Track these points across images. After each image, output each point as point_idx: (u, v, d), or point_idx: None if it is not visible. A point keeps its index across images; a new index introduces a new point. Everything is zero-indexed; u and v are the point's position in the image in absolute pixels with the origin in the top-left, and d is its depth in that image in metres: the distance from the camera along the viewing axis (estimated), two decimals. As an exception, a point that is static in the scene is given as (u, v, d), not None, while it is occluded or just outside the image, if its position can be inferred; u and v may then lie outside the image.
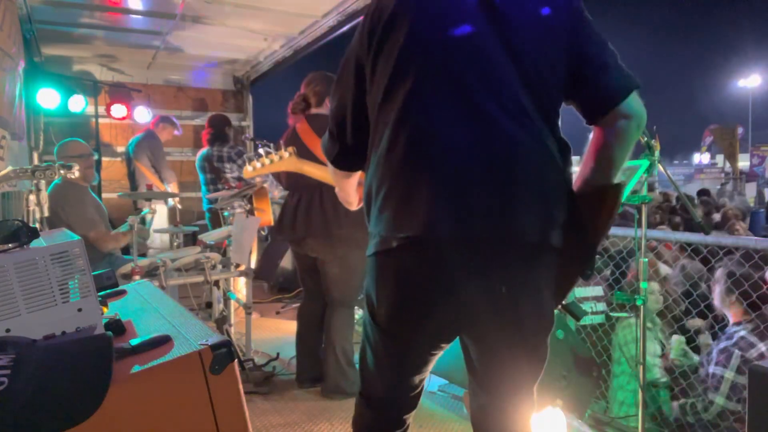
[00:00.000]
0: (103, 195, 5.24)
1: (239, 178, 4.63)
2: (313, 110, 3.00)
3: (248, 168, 2.39)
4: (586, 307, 3.32)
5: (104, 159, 5.62)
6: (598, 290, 3.41)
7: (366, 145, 1.39)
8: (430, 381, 3.03)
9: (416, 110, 1.26)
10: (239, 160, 4.66)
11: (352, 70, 1.39)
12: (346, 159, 1.52)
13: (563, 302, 1.39)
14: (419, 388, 1.44)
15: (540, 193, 1.24)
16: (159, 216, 5.05)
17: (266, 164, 2.38)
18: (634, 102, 1.27)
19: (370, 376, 1.43)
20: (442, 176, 1.23)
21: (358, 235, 2.77)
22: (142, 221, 3.72)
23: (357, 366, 2.87)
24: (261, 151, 2.36)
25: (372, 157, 1.35)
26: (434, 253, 1.24)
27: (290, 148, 2.40)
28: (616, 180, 1.30)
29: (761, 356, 2.54)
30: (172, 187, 5.42)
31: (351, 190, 1.71)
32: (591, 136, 1.32)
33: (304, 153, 2.59)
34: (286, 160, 2.38)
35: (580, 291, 3.28)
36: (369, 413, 1.46)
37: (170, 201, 5.12)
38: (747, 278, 2.66)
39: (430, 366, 1.42)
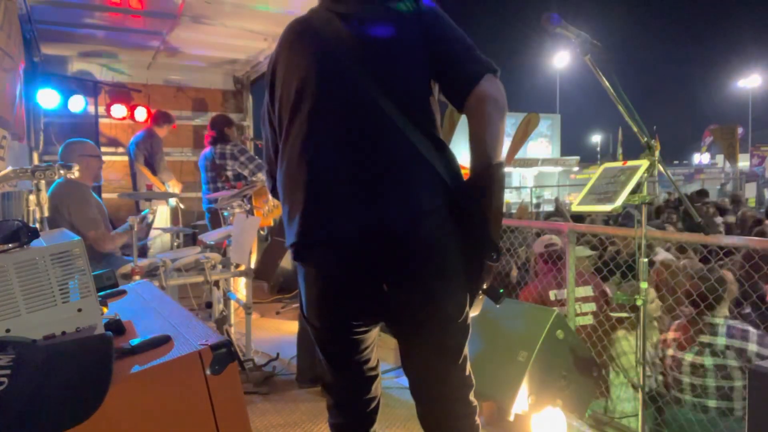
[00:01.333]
0: (103, 195, 5.24)
1: (239, 176, 4.63)
2: None
3: (265, 209, 2.49)
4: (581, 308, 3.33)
5: (104, 159, 5.62)
6: (588, 290, 3.42)
7: None
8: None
9: (294, 133, 1.44)
10: (241, 157, 4.65)
11: (266, 117, 1.60)
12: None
13: (483, 287, 1.43)
14: (366, 372, 1.56)
15: (406, 192, 1.34)
16: (160, 216, 5.06)
17: (279, 204, 2.48)
18: (489, 84, 1.36)
19: (321, 362, 1.59)
20: (311, 191, 1.39)
21: None
22: (143, 221, 3.72)
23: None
24: (254, 167, 2.48)
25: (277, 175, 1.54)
26: (315, 257, 1.42)
27: None
28: (495, 161, 1.36)
29: None
30: (171, 186, 5.41)
31: None
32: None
33: None
34: None
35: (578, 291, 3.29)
36: (330, 399, 1.62)
37: (171, 201, 5.12)
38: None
39: (364, 350, 1.53)
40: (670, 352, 2.85)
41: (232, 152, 4.65)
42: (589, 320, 3.32)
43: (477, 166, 1.36)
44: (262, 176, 4.57)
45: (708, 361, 2.69)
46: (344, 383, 1.59)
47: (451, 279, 1.40)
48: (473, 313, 1.48)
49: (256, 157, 4.77)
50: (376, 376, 1.60)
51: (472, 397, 1.55)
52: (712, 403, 2.65)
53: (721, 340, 2.69)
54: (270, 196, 1.73)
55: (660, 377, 3.02)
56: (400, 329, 1.49)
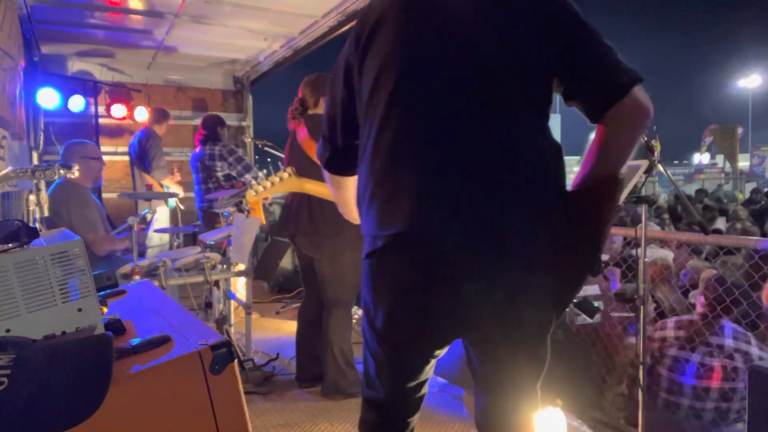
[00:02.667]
0: (103, 195, 5.24)
1: (229, 177, 4.63)
2: (311, 111, 3.07)
3: (251, 192, 2.48)
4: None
5: (104, 159, 5.61)
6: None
7: (355, 148, 1.41)
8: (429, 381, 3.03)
9: (400, 111, 1.27)
10: (230, 158, 4.66)
11: (341, 73, 1.41)
12: (337, 161, 1.53)
13: (575, 300, 1.36)
14: (421, 392, 1.44)
15: (530, 196, 1.23)
16: (160, 216, 5.06)
17: (268, 186, 2.48)
18: (642, 95, 1.23)
19: (371, 381, 1.43)
20: (427, 174, 1.22)
21: (346, 234, 2.81)
22: (143, 221, 3.72)
23: (357, 366, 2.88)
24: (261, 174, 2.52)
25: (360, 158, 1.36)
26: (425, 252, 1.23)
27: (289, 169, 2.50)
28: (622, 174, 1.26)
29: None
30: (168, 185, 5.40)
31: (350, 202, 1.62)
32: (594, 134, 1.29)
33: (304, 160, 2.72)
34: (286, 180, 2.48)
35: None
36: (373, 417, 1.46)
37: (171, 202, 5.12)
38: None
39: (431, 368, 1.41)
40: (671, 351, 2.78)
41: (220, 153, 4.66)
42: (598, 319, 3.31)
43: (603, 175, 1.24)
44: (249, 177, 4.60)
45: (717, 362, 2.63)
46: (396, 404, 1.43)
47: (552, 291, 1.29)
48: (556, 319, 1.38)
49: (245, 158, 4.79)
50: (425, 396, 1.47)
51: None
52: (710, 405, 2.64)
53: (729, 342, 2.66)
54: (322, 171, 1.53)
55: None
56: (495, 344, 1.31)
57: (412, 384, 1.40)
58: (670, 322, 2.83)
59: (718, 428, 2.58)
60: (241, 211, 3.22)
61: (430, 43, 1.27)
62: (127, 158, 5.73)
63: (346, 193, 1.63)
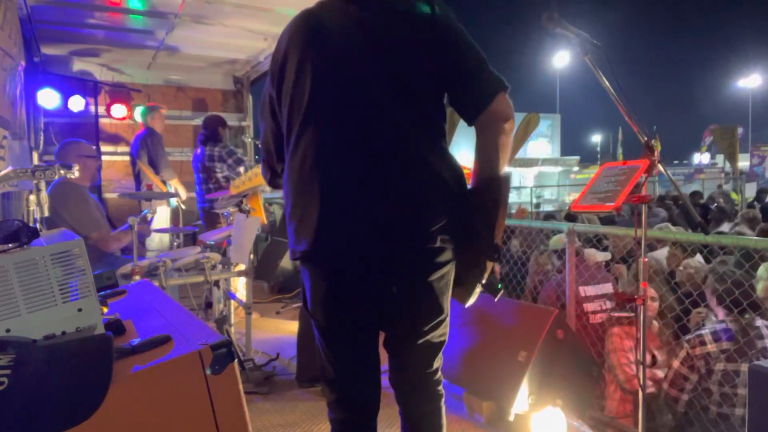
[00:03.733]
0: (104, 195, 5.24)
1: (229, 178, 4.64)
2: None
3: (235, 185, 2.62)
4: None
5: (104, 159, 5.62)
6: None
7: None
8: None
9: (306, 140, 1.44)
10: (229, 159, 4.65)
11: (267, 107, 1.59)
12: (278, 181, 1.68)
13: (481, 282, 1.51)
14: (369, 368, 1.59)
15: (417, 199, 1.41)
16: (161, 216, 5.06)
17: (245, 181, 2.63)
18: (501, 104, 1.42)
19: (322, 358, 1.61)
20: (327, 196, 1.41)
21: None
22: (144, 221, 3.71)
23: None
24: (241, 169, 2.67)
25: (285, 179, 1.55)
26: (327, 264, 1.46)
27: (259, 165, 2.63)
28: (501, 174, 1.46)
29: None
30: (174, 185, 5.41)
31: None
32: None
33: None
34: (260, 176, 2.61)
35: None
36: (331, 395, 1.62)
37: (173, 202, 5.12)
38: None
39: (369, 348, 1.57)
40: (719, 366, 2.60)
41: (220, 154, 4.65)
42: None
43: (484, 177, 1.45)
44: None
45: (744, 366, 2.52)
46: (346, 378, 1.60)
47: (450, 279, 1.50)
48: (469, 303, 1.56)
49: (244, 158, 4.78)
50: (379, 372, 1.62)
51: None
52: (739, 411, 2.55)
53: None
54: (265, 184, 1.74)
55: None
56: (397, 329, 1.55)
57: (357, 359, 1.57)
58: (706, 336, 2.66)
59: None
60: (241, 211, 3.22)
61: (327, 74, 1.43)
62: (127, 158, 5.74)
63: None
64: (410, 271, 1.44)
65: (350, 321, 1.52)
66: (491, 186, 1.45)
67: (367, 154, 1.40)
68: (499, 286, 1.55)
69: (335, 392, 1.61)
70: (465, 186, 1.49)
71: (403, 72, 1.41)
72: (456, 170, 1.49)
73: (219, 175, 4.67)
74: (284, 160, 1.55)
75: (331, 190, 1.41)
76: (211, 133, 4.74)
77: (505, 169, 1.46)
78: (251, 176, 2.61)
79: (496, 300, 1.57)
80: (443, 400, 1.63)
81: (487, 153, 1.45)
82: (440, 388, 1.63)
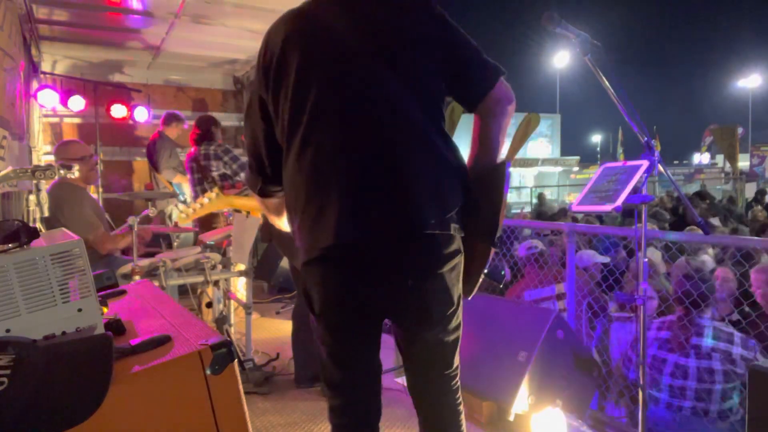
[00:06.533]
0: (104, 195, 5.24)
1: (225, 176, 4.62)
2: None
3: (182, 215, 2.57)
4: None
5: (104, 159, 5.63)
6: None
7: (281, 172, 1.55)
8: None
9: (316, 134, 1.42)
10: (225, 157, 4.63)
11: (257, 107, 1.55)
12: (269, 188, 1.65)
13: (484, 271, 1.53)
14: (372, 371, 1.60)
15: (431, 189, 1.40)
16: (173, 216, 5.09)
17: (197, 209, 2.57)
18: (503, 88, 1.48)
19: (324, 363, 1.58)
20: (345, 192, 1.39)
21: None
22: (144, 221, 3.70)
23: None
24: (188, 198, 2.61)
25: (286, 177, 1.51)
26: (348, 257, 1.42)
27: (215, 189, 2.58)
28: (501, 159, 1.50)
29: None
30: (184, 183, 5.40)
31: (283, 222, 1.74)
32: (474, 122, 1.52)
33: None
34: (214, 201, 2.56)
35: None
36: (334, 399, 1.61)
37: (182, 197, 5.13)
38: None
39: (374, 349, 1.58)
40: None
41: (215, 152, 4.64)
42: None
43: (487, 163, 1.49)
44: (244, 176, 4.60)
45: (692, 362, 2.67)
46: (351, 383, 1.58)
47: (461, 269, 1.50)
48: (472, 295, 1.58)
49: (240, 157, 4.77)
50: (380, 375, 1.62)
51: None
52: (688, 404, 2.64)
53: (707, 342, 2.67)
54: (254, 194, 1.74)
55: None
56: (411, 322, 1.52)
57: (357, 359, 1.57)
58: (657, 322, 2.85)
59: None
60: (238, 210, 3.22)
61: (332, 72, 1.42)
62: (127, 158, 5.74)
63: (276, 215, 1.77)
64: (426, 262, 1.43)
65: (364, 318, 1.51)
66: (496, 171, 1.47)
67: (383, 146, 1.40)
68: (503, 272, 1.55)
69: (340, 397, 1.59)
70: (467, 176, 1.50)
71: (407, 64, 1.42)
72: (462, 161, 1.50)
73: (215, 174, 4.64)
74: (278, 163, 1.53)
75: (350, 183, 1.39)
76: (205, 132, 4.72)
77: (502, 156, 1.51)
78: (205, 200, 2.56)
79: (501, 286, 1.61)
80: (462, 406, 1.59)
81: (490, 137, 1.48)
82: (459, 397, 1.58)
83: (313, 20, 1.47)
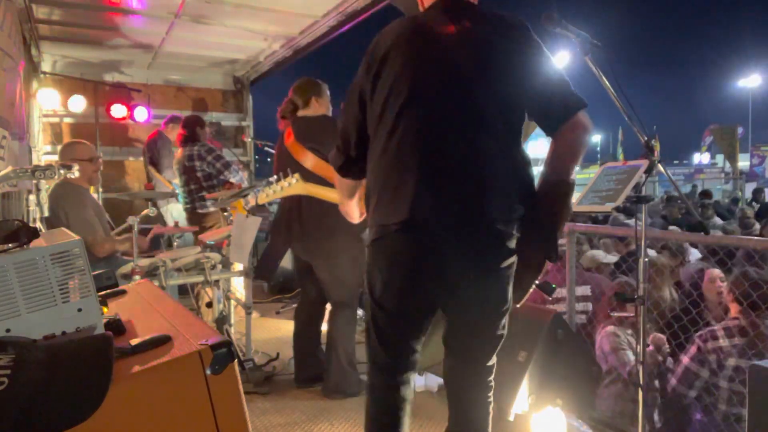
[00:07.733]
0: (104, 195, 5.24)
1: (209, 176, 4.62)
2: (300, 113, 3.12)
3: (262, 194, 2.68)
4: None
5: (104, 159, 5.62)
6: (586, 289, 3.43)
7: (365, 156, 1.70)
8: (428, 380, 3.04)
9: (404, 124, 1.56)
10: (208, 156, 4.60)
11: (356, 96, 1.71)
12: (350, 168, 1.83)
13: (536, 282, 1.61)
14: (416, 352, 1.72)
15: (504, 192, 1.53)
16: (172, 216, 5.09)
17: (277, 191, 2.67)
18: (584, 116, 1.57)
19: (375, 345, 1.71)
20: (424, 173, 1.52)
21: (338, 238, 2.88)
22: (146, 220, 3.70)
23: (359, 366, 2.88)
24: (272, 179, 2.68)
25: (371, 160, 1.66)
26: (419, 234, 1.53)
27: (296, 175, 2.66)
28: (572, 179, 1.58)
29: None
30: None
31: (353, 204, 2.02)
32: (550, 144, 1.61)
33: (292, 164, 2.86)
34: (294, 185, 2.67)
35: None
36: (379, 376, 1.73)
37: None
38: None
39: (424, 331, 1.70)
40: (731, 362, 2.62)
41: (199, 152, 4.61)
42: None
43: (557, 181, 1.57)
44: (228, 175, 4.59)
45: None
46: (398, 363, 1.71)
47: (513, 271, 1.60)
48: (521, 303, 1.67)
49: (224, 156, 4.75)
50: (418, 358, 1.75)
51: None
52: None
53: None
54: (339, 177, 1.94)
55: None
56: (468, 314, 1.63)
57: (407, 343, 1.68)
58: (719, 330, 2.67)
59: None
60: (224, 210, 3.24)
61: (431, 72, 1.57)
62: (126, 158, 5.74)
63: (351, 200, 2.00)
64: (491, 254, 1.53)
65: (421, 308, 1.63)
66: (562, 188, 1.55)
67: (466, 144, 1.53)
68: (554, 285, 1.68)
69: (381, 376, 1.73)
70: (533, 189, 1.60)
71: (498, 81, 1.56)
72: (531, 174, 1.62)
73: (198, 174, 4.61)
74: (362, 148, 1.70)
75: (429, 167, 1.52)
76: (190, 133, 4.68)
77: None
78: (285, 185, 2.68)
79: (550, 299, 1.67)
80: (491, 406, 1.71)
81: (563, 157, 1.57)
82: (491, 395, 1.70)
83: (423, 26, 1.64)
